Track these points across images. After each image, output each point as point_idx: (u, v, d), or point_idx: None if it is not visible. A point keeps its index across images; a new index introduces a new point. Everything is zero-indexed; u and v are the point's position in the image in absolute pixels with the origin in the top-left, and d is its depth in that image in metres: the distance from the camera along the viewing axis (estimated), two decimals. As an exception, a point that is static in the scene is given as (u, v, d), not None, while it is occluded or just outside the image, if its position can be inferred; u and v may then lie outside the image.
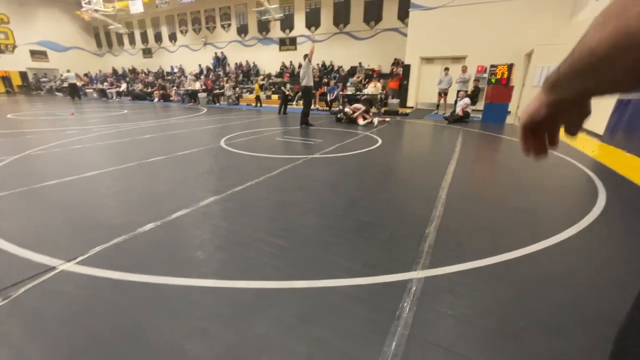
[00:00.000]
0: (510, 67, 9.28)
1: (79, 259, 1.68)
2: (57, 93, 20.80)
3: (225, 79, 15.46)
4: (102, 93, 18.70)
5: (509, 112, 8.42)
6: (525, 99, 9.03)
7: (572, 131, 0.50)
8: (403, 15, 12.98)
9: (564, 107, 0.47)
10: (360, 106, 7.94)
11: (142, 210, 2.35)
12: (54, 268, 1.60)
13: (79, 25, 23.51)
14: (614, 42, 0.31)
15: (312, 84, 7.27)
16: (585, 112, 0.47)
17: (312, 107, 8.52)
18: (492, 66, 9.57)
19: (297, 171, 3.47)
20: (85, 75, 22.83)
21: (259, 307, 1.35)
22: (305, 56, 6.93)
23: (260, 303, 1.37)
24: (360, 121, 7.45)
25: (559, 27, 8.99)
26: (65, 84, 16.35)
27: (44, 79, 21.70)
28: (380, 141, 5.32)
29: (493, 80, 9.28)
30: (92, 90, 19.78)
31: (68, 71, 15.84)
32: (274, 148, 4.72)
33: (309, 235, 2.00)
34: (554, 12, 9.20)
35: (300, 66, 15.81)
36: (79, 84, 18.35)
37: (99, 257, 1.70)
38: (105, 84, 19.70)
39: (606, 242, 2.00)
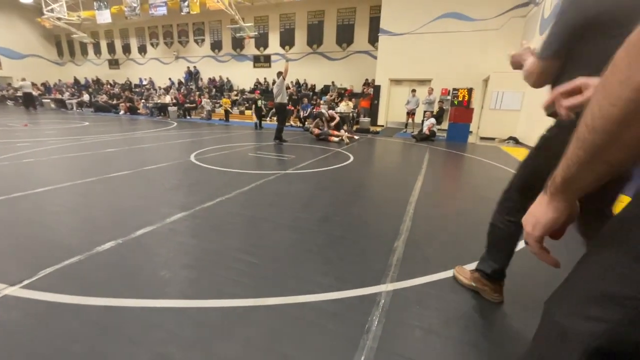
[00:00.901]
0: (470, 91, 10.05)
1: (26, 282, 1.53)
2: (9, 102, 19.29)
3: (197, 93, 15.20)
4: (61, 103, 17.57)
5: (471, 131, 9.04)
6: (485, 121, 9.77)
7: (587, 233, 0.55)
8: (373, 39, 13.73)
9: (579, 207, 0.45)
10: (334, 114, 8.32)
11: (101, 228, 2.21)
12: (-5, 293, 1.45)
13: (39, 33, 22.21)
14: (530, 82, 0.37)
15: (286, 100, 7.38)
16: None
17: (287, 123, 8.62)
18: (454, 89, 10.32)
19: (270, 187, 3.46)
20: (43, 84, 21.43)
21: (227, 327, 1.30)
22: (280, 74, 7.05)
23: (229, 323, 1.33)
24: (333, 139, 7.62)
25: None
26: (19, 93, 15.21)
27: (-1, 88, 20.07)
28: (352, 158, 5.46)
29: (455, 103, 9.96)
30: (49, 101, 18.54)
31: (23, 80, 14.78)
32: (246, 163, 4.67)
33: (281, 251, 1.98)
34: (507, 43, 10.19)
35: (274, 83, 16.01)
36: (34, 93, 17.17)
37: (49, 280, 1.57)
38: (67, 94, 18.56)
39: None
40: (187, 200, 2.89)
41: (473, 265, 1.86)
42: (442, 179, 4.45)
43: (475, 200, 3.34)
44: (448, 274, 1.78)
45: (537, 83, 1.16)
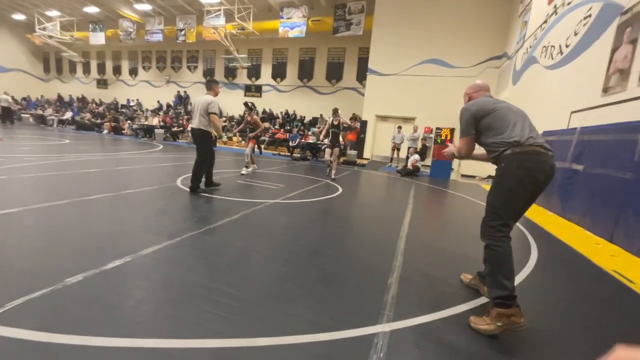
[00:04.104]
0: (452, 130, 10.61)
1: (-13, 316, 1.37)
2: (-16, 115, 18.49)
3: (186, 117, 15.19)
4: (41, 119, 17.03)
5: (452, 169, 9.41)
6: (466, 160, 10.23)
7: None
8: (361, 77, 14.49)
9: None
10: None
11: (76, 257, 2.04)
12: (-52, 329, 1.28)
13: (27, 49, 22.01)
14: (461, 156, 1.99)
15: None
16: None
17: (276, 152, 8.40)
18: (437, 128, 10.87)
19: (259, 216, 3.38)
20: (24, 99, 20.86)
21: (215, 371, 1.19)
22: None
23: (216, 367, 1.22)
24: (326, 156, 6.99)
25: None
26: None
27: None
28: (340, 189, 5.50)
29: (439, 141, 10.45)
30: (28, 116, 17.94)
31: (6, 93, 14.34)
32: (235, 191, 4.59)
33: (272, 286, 1.89)
34: (483, 89, 11.00)
35: (263, 112, 16.37)
36: (13, 107, 16.64)
37: (15, 314, 1.40)
38: (49, 110, 18.05)
39: (546, 289, 2.20)
40: (172, 227, 2.77)
41: (467, 306, 1.85)
42: (429, 215, 4.52)
43: (461, 237, 3.39)
44: (444, 313, 1.74)
45: (470, 151, 1.95)
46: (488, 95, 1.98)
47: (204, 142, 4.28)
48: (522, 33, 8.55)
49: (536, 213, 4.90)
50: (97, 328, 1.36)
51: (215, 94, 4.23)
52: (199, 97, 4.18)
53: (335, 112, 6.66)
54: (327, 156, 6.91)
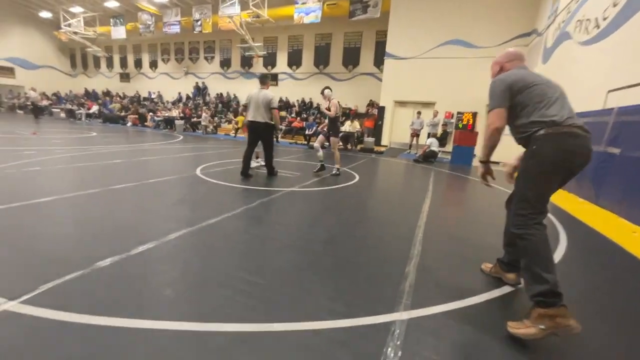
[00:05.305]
0: (474, 115, 10.15)
1: (25, 297, 1.47)
2: (19, 111, 19.66)
3: (204, 108, 15.45)
4: (71, 113, 17.89)
5: (475, 155, 9.06)
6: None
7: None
8: (378, 62, 14.08)
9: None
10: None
11: (103, 243, 2.15)
12: (-8, 308, 1.38)
13: (54, 45, 23.01)
14: (491, 133, 1.66)
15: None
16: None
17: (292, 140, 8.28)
18: (459, 113, 10.43)
19: (276, 204, 3.41)
20: (54, 94, 21.95)
21: (234, 353, 1.22)
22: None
23: (236, 348, 1.25)
24: (315, 143, 5.65)
25: (514, 83, 10.14)
26: (29, 102, 15.54)
27: (9, 96, 20.60)
28: (357, 177, 5.44)
29: (460, 126, 10.05)
30: (59, 110, 18.89)
31: (33, 90, 15.11)
32: (252, 179, 4.65)
33: (289, 273, 1.91)
34: (509, 70, 10.40)
35: (280, 101, 16.33)
36: (45, 103, 17.56)
37: (48, 296, 1.50)
38: (76, 105, 18.92)
39: (576, 280, 2.09)
40: (192, 215, 2.85)
41: (488, 295, 1.78)
42: (449, 202, 4.40)
43: (484, 226, 3.27)
44: (464, 303, 1.70)
45: (503, 124, 1.67)
46: (523, 67, 1.73)
47: (269, 134, 4.73)
48: (554, 7, 7.93)
49: (565, 199, 4.64)
50: (124, 310, 1.43)
51: (268, 87, 4.67)
52: (255, 91, 4.57)
53: (322, 93, 5.39)
54: (316, 143, 5.52)
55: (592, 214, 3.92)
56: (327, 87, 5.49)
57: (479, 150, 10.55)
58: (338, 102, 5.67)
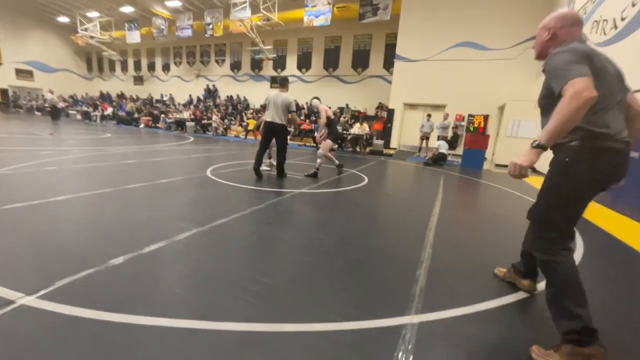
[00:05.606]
0: (486, 117, 10.00)
1: (42, 292, 1.50)
2: (37, 112, 20.30)
3: (215, 110, 15.66)
4: (86, 115, 18.39)
5: (486, 158, 8.91)
6: (500, 148, 9.65)
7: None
8: (388, 64, 14.03)
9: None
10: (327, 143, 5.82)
11: (116, 241, 2.19)
12: (12, 302, 1.42)
13: (71, 49, 23.74)
14: (578, 106, 1.07)
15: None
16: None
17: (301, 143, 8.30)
18: (470, 115, 10.30)
19: (285, 205, 3.42)
20: (71, 97, 22.62)
21: (243, 353, 1.22)
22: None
23: (245, 348, 1.25)
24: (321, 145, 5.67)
25: (526, 86, 9.97)
26: (47, 104, 16.04)
27: (28, 98, 21.36)
28: (366, 180, 5.41)
29: (471, 129, 9.90)
30: (75, 112, 19.45)
31: (51, 92, 15.58)
32: (262, 180, 4.68)
33: (298, 274, 1.91)
34: (523, 73, 10.24)
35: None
36: (62, 105, 18.08)
37: (64, 291, 1.53)
38: (91, 107, 19.46)
39: (594, 287, 2.02)
40: (202, 215, 2.87)
41: (501, 301, 1.74)
42: (460, 206, 4.33)
43: (495, 229, 3.21)
44: (476, 308, 1.66)
45: (595, 93, 1.11)
46: (583, 41, 1.29)
47: (284, 136, 4.86)
48: (570, 7, 7.77)
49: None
50: (136, 307, 1.45)
51: (287, 91, 4.81)
52: (274, 93, 4.66)
53: (310, 106, 5.13)
54: (320, 151, 5.47)
55: (611, 219, 3.80)
56: (315, 97, 5.88)
57: (489, 154, 10.30)
58: (327, 107, 5.82)
